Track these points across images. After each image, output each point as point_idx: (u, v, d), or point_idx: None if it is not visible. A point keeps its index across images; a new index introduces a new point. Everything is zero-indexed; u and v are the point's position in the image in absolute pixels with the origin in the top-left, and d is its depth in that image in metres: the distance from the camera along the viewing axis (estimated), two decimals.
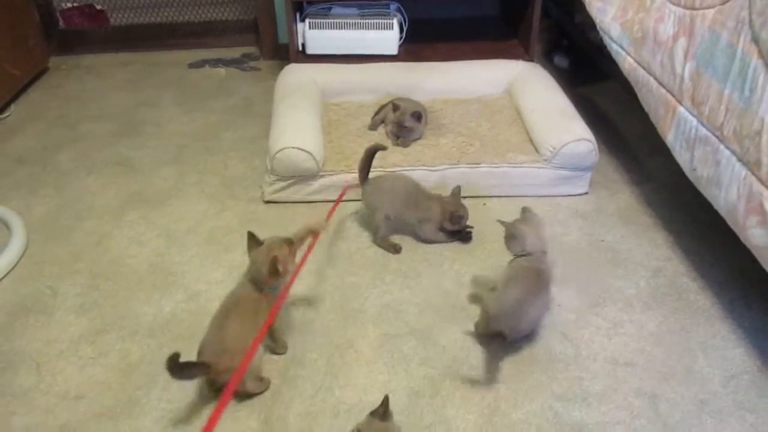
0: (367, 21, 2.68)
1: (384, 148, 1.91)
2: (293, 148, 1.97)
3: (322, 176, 2.03)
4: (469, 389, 1.46)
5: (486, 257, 1.85)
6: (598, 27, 2.19)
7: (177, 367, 1.27)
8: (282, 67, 2.57)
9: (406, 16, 2.78)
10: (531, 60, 2.68)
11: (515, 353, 1.54)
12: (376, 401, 1.20)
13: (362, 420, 1.19)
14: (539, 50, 2.99)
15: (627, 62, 2.00)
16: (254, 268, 1.44)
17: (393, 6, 2.75)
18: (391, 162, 2.05)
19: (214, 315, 1.42)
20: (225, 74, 3.02)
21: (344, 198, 1.96)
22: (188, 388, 1.45)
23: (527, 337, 1.57)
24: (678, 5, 1.74)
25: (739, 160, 1.46)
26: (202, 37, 3.25)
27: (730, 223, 1.54)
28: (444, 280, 1.77)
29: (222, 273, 1.79)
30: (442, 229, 1.88)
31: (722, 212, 1.56)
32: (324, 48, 2.69)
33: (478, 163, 2.06)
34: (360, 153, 1.93)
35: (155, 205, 2.08)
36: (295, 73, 2.49)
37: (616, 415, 1.40)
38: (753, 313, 1.66)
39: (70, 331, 1.61)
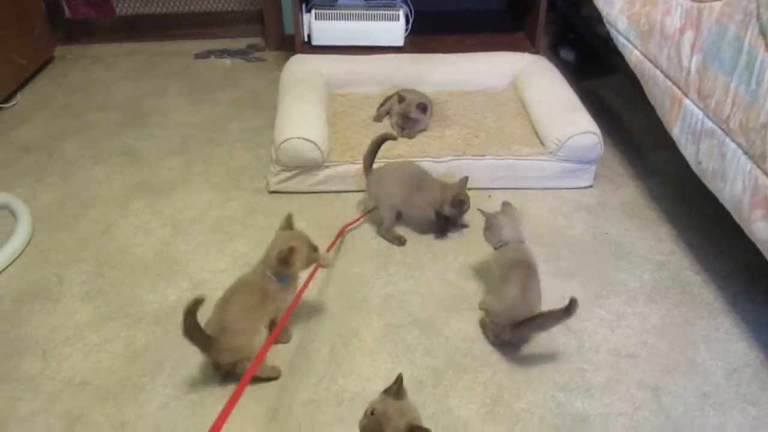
0: (373, 12, 2.68)
1: (394, 138, 1.91)
2: (298, 138, 1.97)
3: (326, 167, 2.04)
4: (472, 379, 1.46)
5: (490, 249, 1.85)
6: (604, 20, 2.18)
7: (192, 319, 1.30)
8: (287, 58, 2.57)
9: (412, 8, 2.78)
10: (537, 53, 2.67)
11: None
12: (379, 390, 1.20)
13: (376, 398, 1.18)
14: (545, 43, 2.97)
15: (633, 55, 1.99)
16: (271, 245, 1.45)
17: None
18: (396, 153, 2.05)
19: (221, 296, 1.43)
20: (230, 65, 3.02)
21: (348, 188, 1.95)
22: (193, 375, 1.46)
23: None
24: None
25: (745, 153, 1.46)
26: (207, 28, 3.25)
27: (735, 216, 1.54)
28: (447, 272, 1.78)
29: (226, 262, 1.80)
30: (438, 214, 1.87)
31: (727, 205, 1.56)
32: (330, 39, 2.68)
33: (483, 155, 2.06)
34: (365, 144, 1.93)
35: (161, 195, 2.09)
36: (300, 64, 2.49)
37: (619, 407, 1.41)
38: (756, 307, 1.66)
39: (76, 318, 1.63)
